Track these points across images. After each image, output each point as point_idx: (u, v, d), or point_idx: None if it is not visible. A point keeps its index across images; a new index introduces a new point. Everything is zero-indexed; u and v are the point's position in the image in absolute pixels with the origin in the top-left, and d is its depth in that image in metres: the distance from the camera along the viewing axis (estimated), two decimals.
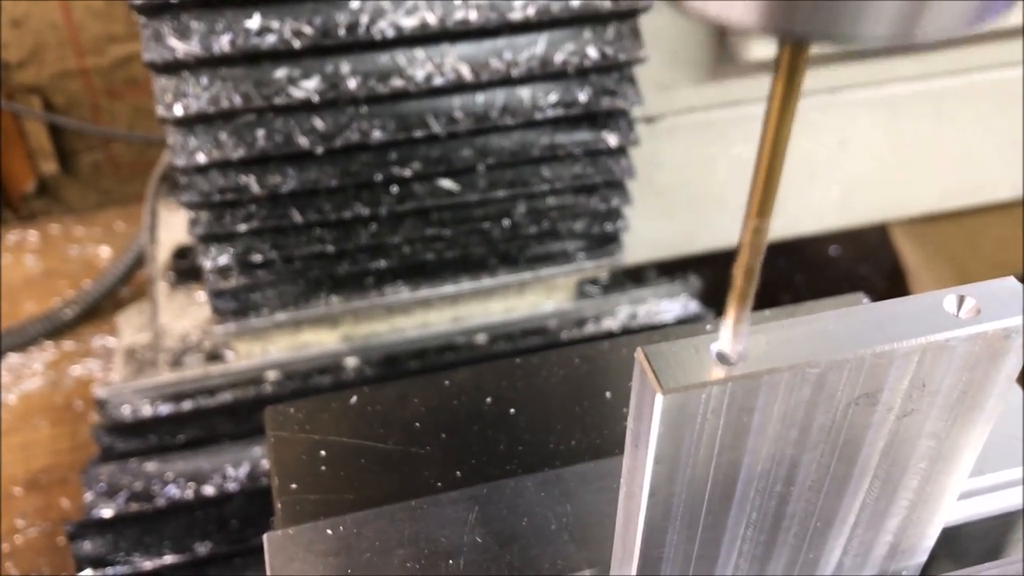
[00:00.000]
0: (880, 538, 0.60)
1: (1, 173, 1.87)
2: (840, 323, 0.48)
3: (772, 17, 0.34)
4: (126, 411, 1.31)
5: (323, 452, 0.74)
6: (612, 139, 1.19)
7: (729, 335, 0.46)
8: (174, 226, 1.53)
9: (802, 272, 1.95)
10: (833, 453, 0.52)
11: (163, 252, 1.50)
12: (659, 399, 0.45)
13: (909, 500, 0.58)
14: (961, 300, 0.49)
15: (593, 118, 1.18)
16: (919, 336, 0.47)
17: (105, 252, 1.87)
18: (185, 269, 1.45)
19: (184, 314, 1.41)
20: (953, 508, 0.61)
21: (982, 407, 0.53)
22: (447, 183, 1.17)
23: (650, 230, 1.49)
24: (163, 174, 1.56)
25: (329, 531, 0.66)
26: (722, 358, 0.46)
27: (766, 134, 0.42)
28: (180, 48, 1.01)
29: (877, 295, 1.88)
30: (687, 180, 1.47)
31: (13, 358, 1.68)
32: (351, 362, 1.34)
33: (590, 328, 1.42)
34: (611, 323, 1.43)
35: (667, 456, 0.48)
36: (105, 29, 1.78)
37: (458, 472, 0.73)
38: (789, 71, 0.40)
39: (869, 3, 0.33)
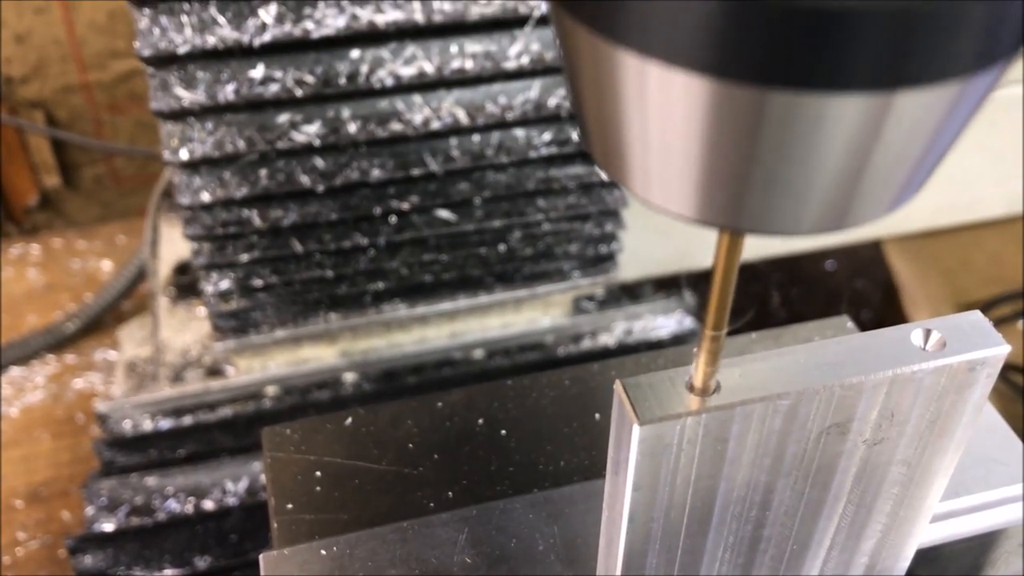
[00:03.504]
0: (856, 560, 0.62)
1: (4, 187, 1.89)
2: (810, 356, 0.50)
3: (708, 212, 0.37)
4: (127, 426, 1.33)
5: (318, 472, 0.76)
6: (601, 172, 1.21)
7: (703, 368, 0.48)
8: (175, 241, 1.55)
9: (798, 286, 1.97)
10: (806, 480, 0.54)
11: (164, 267, 1.51)
12: (636, 429, 0.47)
13: (883, 524, 0.59)
14: (928, 334, 0.50)
15: (586, 154, 1.20)
16: (886, 369, 0.49)
17: (107, 265, 1.89)
18: (186, 284, 1.47)
19: (185, 329, 1.43)
20: (927, 530, 0.63)
21: (951, 435, 0.55)
22: (444, 214, 1.19)
23: (645, 247, 1.51)
24: (164, 189, 1.58)
25: (323, 551, 0.68)
26: (697, 390, 0.48)
27: (713, 285, 0.46)
28: (186, 97, 1.03)
29: (872, 309, 1.89)
30: None
31: (15, 371, 1.70)
32: (349, 377, 1.36)
33: (586, 344, 1.44)
34: (607, 339, 1.45)
35: (645, 483, 0.50)
36: (107, 44, 1.80)
37: (450, 492, 0.75)
38: (728, 250, 0.44)
39: (796, 205, 0.36)
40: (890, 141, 0.34)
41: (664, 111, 0.34)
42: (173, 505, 1.25)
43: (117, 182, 1.98)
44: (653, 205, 0.38)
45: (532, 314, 1.41)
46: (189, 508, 1.25)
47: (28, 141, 1.86)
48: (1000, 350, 0.50)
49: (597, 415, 0.81)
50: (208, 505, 1.26)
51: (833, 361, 0.50)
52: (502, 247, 1.25)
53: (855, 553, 0.61)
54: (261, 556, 0.67)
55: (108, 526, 1.24)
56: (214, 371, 1.36)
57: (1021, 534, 0.73)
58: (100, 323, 1.75)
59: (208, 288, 1.20)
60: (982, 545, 0.73)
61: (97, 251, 1.93)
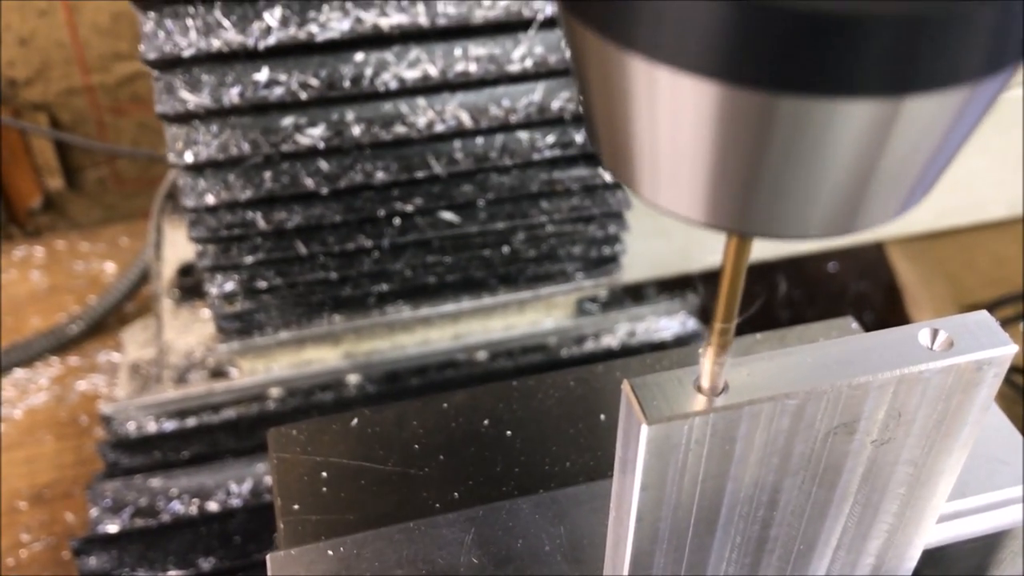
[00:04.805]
0: (862, 560, 0.62)
1: (8, 189, 1.89)
2: (818, 355, 0.50)
3: (716, 216, 0.37)
4: (131, 427, 1.33)
5: (324, 473, 0.76)
6: (608, 175, 1.21)
7: (711, 368, 0.48)
8: (179, 243, 1.55)
9: (801, 288, 1.97)
10: (814, 479, 0.54)
11: (168, 269, 1.52)
12: (644, 429, 0.47)
13: (889, 523, 0.59)
14: (935, 333, 0.51)
15: (590, 156, 1.21)
16: (894, 368, 0.49)
17: (110, 268, 1.89)
18: (190, 286, 1.47)
19: (188, 331, 1.43)
20: (934, 531, 0.63)
21: (957, 435, 0.55)
22: (448, 215, 1.19)
23: (648, 248, 1.51)
24: (168, 191, 1.58)
25: (330, 552, 0.68)
26: (705, 389, 0.48)
27: (721, 286, 0.46)
28: (191, 100, 1.04)
29: (875, 311, 1.89)
30: None
31: (19, 373, 1.70)
32: (353, 379, 1.36)
33: (589, 345, 1.44)
34: (610, 340, 1.45)
35: (653, 483, 0.50)
36: (111, 47, 1.81)
37: (456, 493, 0.75)
38: (737, 252, 0.44)
39: (804, 209, 0.36)
40: (898, 146, 0.34)
41: (673, 116, 0.35)
42: (177, 507, 1.25)
43: (120, 184, 1.98)
44: (661, 209, 0.38)
45: (535, 316, 1.41)
46: (193, 510, 1.25)
47: (31, 143, 1.86)
48: (1008, 350, 0.51)
49: (602, 416, 0.81)
50: (212, 507, 1.26)
51: (841, 361, 0.50)
52: (506, 249, 1.25)
53: (862, 553, 0.61)
54: (268, 556, 0.68)
55: (112, 527, 1.24)
56: (218, 373, 1.37)
57: None
58: (104, 325, 1.75)
59: (212, 290, 1.20)
60: (987, 545, 0.73)
61: (100, 253, 1.93)
